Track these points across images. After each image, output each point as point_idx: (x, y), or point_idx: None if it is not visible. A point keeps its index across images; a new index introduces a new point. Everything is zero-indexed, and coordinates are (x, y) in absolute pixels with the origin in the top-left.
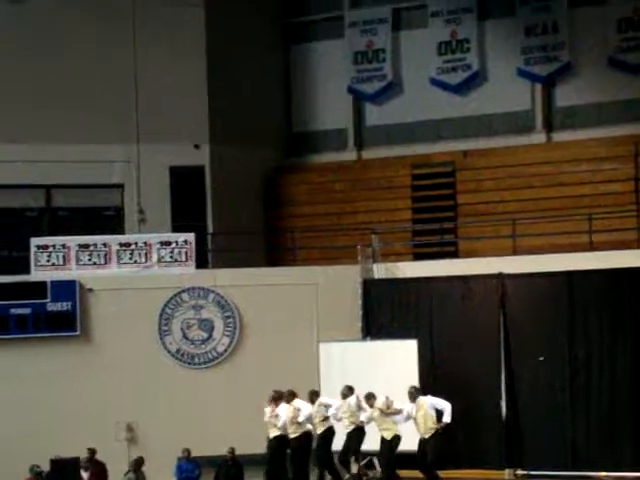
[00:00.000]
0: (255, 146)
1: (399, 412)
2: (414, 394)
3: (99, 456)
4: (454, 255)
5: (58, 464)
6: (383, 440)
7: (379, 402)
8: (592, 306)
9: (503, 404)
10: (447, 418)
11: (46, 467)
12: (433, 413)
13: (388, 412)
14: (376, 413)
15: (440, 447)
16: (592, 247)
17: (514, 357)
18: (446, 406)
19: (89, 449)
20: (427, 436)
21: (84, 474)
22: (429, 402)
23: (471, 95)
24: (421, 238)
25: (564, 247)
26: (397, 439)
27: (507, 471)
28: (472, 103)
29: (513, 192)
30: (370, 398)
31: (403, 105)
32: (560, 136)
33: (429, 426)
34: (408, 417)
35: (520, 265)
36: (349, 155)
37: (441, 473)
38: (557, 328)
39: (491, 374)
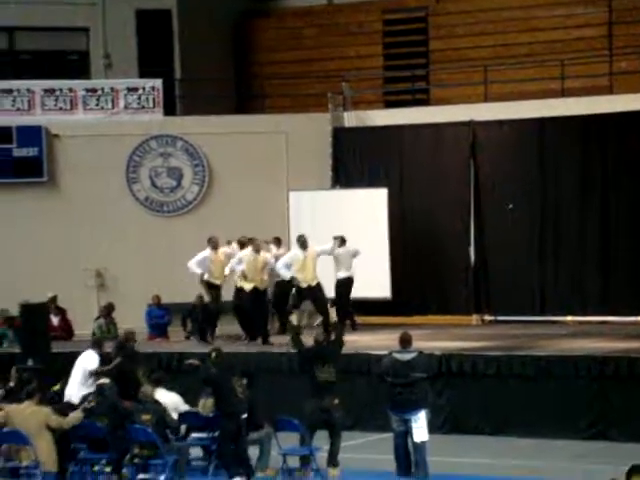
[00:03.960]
0: None
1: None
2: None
3: (69, 302)
4: (425, 103)
5: (27, 309)
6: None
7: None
8: (563, 152)
9: (472, 250)
10: None
11: (15, 311)
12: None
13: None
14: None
15: None
16: (564, 93)
17: (483, 204)
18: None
19: (50, 297)
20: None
21: (54, 319)
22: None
23: None
24: (392, 85)
25: (536, 94)
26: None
27: (474, 317)
28: None
29: (485, 38)
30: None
31: None
32: None
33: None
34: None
35: (491, 112)
36: None
37: (409, 320)
38: (527, 175)
39: (460, 221)
